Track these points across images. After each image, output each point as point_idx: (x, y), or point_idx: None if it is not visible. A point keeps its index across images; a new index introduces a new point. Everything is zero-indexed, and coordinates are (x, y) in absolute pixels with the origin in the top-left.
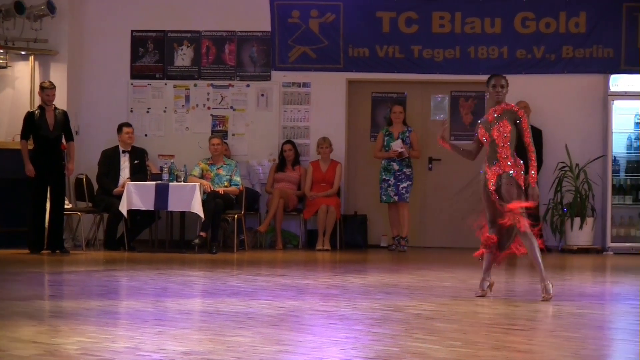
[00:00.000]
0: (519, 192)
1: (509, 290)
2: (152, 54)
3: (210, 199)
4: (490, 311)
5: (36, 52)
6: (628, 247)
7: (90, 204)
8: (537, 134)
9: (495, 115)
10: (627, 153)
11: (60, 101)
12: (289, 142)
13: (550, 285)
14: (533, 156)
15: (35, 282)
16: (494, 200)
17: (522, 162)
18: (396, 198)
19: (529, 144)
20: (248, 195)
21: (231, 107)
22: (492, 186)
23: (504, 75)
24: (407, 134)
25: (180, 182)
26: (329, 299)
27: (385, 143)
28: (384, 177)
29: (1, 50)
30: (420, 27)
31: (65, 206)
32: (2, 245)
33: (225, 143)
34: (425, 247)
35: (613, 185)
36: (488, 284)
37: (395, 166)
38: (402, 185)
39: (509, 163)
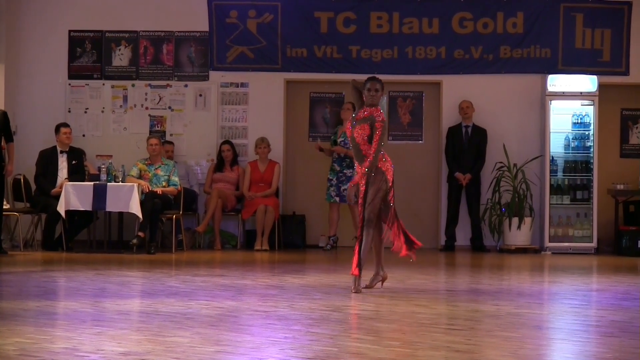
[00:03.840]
0: (386, 186)
1: (447, 290)
2: (89, 54)
3: (148, 199)
4: (429, 311)
5: None
6: (566, 247)
7: (28, 205)
8: (482, 133)
9: (362, 116)
10: (565, 153)
11: None
12: (227, 142)
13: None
14: (373, 153)
15: None
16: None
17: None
18: (337, 199)
19: (374, 147)
20: (186, 195)
21: (169, 108)
22: (362, 186)
23: (380, 78)
24: None
25: (118, 182)
26: (267, 299)
27: (331, 142)
28: (329, 176)
29: None
30: (358, 27)
31: (4, 207)
32: None
33: (171, 143)
34: None
35: (551, 185)
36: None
37: (337, 166)
38: (343, 187)
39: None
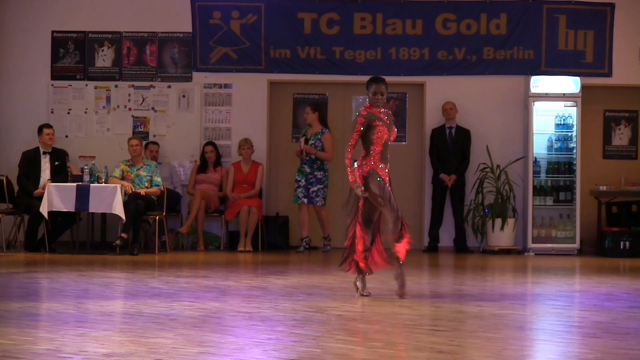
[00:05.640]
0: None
1: (430, 291)
2: (72, 55)
3: (131, 200)
4: (412, 312)
5: None
6: (549, 248)
7: (10, 206)
8: (465, 134)
9: (386, 117)
10: (548, 154)
11: None
12: (210, 143)
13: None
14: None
15: None
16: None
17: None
18: (305, 200)
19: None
20: (169, 196)
21: (152, 108)
22: (389, 186)
23: (385, 79)
24: (319, 136)
25: (101, 183)
26: (250, 300)
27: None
28: (297, 177)
29: None
30: (341, 28)
31: None
32: None
33: (156, 144)
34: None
35: (534, 186)
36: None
37: (307, 168)
38: (312, 189)
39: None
